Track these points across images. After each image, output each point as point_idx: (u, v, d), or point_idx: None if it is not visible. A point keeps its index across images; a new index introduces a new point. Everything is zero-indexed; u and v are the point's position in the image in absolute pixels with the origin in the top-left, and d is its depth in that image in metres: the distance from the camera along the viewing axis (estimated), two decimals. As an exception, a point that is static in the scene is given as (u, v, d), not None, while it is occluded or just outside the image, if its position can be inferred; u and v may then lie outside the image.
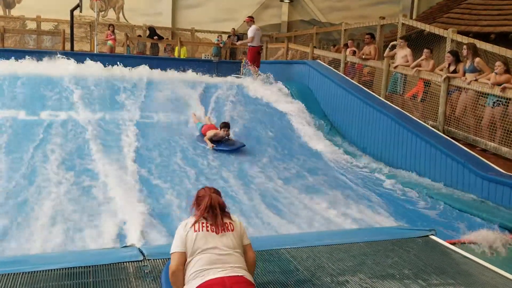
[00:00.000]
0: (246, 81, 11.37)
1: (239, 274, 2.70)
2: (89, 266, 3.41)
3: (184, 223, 2.86)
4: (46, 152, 7.19)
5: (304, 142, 9.01)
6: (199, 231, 2.78)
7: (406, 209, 6.13)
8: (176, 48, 17.46)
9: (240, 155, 8.09)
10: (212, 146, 7.91)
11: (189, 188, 6.56)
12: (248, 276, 2.76)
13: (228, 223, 2.85)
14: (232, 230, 2.84)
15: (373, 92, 9.43)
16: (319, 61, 11.60)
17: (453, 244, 4.47)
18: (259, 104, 10.31)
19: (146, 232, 5.13)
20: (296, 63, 12.08)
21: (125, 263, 3.51)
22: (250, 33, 11.57)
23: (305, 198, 6.47)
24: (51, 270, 3.31)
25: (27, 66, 10.06)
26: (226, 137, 8.10)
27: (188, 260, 2.76)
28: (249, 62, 11.72)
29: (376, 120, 8.39)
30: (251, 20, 11.80)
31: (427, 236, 4.50)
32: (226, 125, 8.07)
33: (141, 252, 3.72)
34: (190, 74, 11.40)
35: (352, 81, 10.00)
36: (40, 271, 3.27)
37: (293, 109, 10.02)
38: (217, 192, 2.95)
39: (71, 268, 3.37)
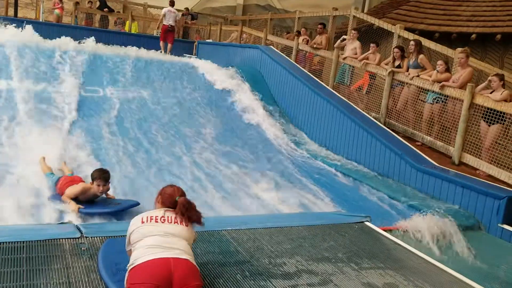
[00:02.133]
0: (198, 61, 11.34)
1: (185, 258, 2.79)
2: (23, 242, 3.32)
3: (139, 217, 2.97)
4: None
5: (251, 124, 9.09)
6: (150, 222, 2.92)
7: (345, 195, 6.36)
8: (127, 23, 16.92)
9: (183, 133, 8.06)
10: (78, 208, 4.83)
11: (133, 166, 6.50)
12: (193, 261, 2.86)
13: (185, 219, 2.99)
14: (187, 225, 2.98)
15: (322, 81, 9.63)
16: (272, 47, 11.66)
17: (386, 230, 4.71)
18: (204, 82, 10.35)
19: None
20: (249, 47, 12.07)
21: (61, 240, 3.43)
22: (162, 12, 14.06)
23: (247, 180, 6.58)
24: (-18, 244, 3.19)
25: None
26: (102, 194, 5.09)
27: (137, 239, 2.86)
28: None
29: (323, 108, 8.59)
30: (170, 3, 14.24)
31: (363, 222, 4.73)
32: (102, 176, 4.97)
33: (79, 229, 3.66)
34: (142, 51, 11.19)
35: (302, 69, 10.15)
36: (-31, 246, 3.15)
37: (241, 90, 10.10)
38: (184, 194, 3.11)
39: (2, 242, 3.26)
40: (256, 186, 6.47)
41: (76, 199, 4.94)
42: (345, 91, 9.23)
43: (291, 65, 10.26)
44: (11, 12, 15.22)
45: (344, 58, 9.26)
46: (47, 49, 9.44)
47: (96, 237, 3.55)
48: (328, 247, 3.98)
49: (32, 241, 3.35)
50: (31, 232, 3.60)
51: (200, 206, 5.49)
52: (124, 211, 4.95)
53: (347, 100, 8.66)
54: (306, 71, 10.02)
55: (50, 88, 8.36)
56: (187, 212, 2.97)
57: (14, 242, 3.31)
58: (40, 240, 3.38)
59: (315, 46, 10.38)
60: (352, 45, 9.36)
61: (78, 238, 3.52)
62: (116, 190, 5.63)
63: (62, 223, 4.13)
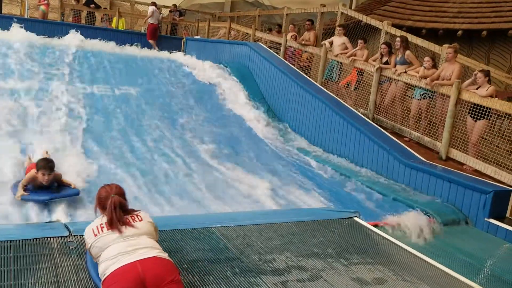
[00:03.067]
0: (186, 57, 11.36)
1: (152, 255, 2.70)
2: (10, 241, 3.27)
3: (90, 230, 2.84)
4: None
5: (239, 121, 9.08)
6: (102, 232, 2.79)
7: (334, 191, 6.39)
8: (114, 19, 16.77)
9: (175, 130, 8.03)
10: (20, 195, 4.93)
11: (122, 163, 6.48)
12: (162, 255, 2.77)
13: (135, 216, 2.89)
14: (141, 220, 2.88)
15: (311, 77, 9.64)
16: (260, 43, 11.65)
17: (375, 226, 4.75)
18: (192, 78, 10.34)
19: (73, 207, 5.00)
20: (238, 44, 12.04)
21: (49, 238, 3.40)
22: (149, 9, 14.85)
23: (236, 176, 6.58)
24: (-33, 244, 3.14)
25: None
26: (48, 183, 5.05)
27: (98, 254, 2.78)
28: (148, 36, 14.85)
29: (312, 105, 8.61)
30: (152, 4, 15.14)
31: (352, 217, 4.75)
32: (45, 166, 5.02)
33: (67, 227, 3.62)
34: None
35: (291, 65, 10.15)
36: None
37: (230, 88, 10.09)
38: (119, 193, 2.92)
39: (-11, 242, 3.22)
40: (244, 182, 6.47)
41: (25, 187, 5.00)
42: (333, 87, 9.26)
43: (279, 61, 10.26)
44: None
45: (336, 55, 9.22)
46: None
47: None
48: (317, 243, 3.99)
49: (19, 240, 3.31)
50: (18, 231, 3.55)
51: (188, 202, 5.55)
52: (63, 198, 5.05)
53: (335, 96, 8.69)
54: (295, 68, 10.03)
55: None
56: (118, 211, 2.81)
57: (1, 241, 3.26)
58: (27, 239, 3.34)
59: (303, 42, 10.39)
60: (339, 41, 9.37)
61: (66, 236, 3.48)
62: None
63: (50, 221, 4.10)
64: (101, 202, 2.89)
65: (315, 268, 3.51)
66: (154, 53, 11.93)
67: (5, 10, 15.71)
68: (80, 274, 3.00)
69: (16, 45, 9.34)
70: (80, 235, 3.51)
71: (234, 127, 8.82)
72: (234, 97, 9.89)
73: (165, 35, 16.79)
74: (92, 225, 2.86)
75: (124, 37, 14.39)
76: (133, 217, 2.87)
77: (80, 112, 7.91)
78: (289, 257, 3.65)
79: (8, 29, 10.50)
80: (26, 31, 10.33)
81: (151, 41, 14.73)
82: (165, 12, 18.12)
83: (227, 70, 10.84)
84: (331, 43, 9.58)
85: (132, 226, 2.81)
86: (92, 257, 2.84)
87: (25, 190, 4.98)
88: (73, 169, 5.75)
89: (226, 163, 7.10)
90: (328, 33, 11.31)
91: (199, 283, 3.08)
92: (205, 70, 10.70)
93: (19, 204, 4.89)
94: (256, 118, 9.20)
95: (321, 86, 9.16)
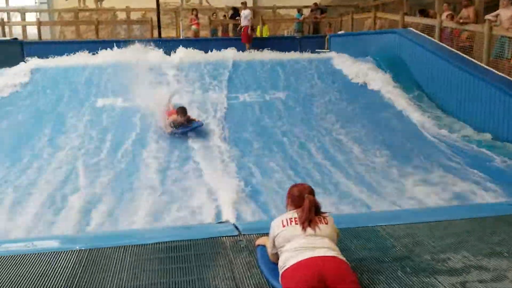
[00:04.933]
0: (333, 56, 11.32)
1: (332, 255, 2.75)
2: (191, 240, 3.60)
3: (280, 221, 2.96)
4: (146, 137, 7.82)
5: (394, 113, 8.69)
6: (291, 224, 2.90)
7: (512, 183, 5.68)
8: (258, 27, 17.50)
9: (331, 125, 8.00)
10: (171, 130, 7.96)
11: (282, 165, 6.72)
12: (341, 257, 2.80)
13: (322, 218, 2.94)
14: (326, 223, 2.93)
15: (474, 58, 8.72)
16: (411, 28, 10.96)
17: None
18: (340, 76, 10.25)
19: (238, 208, 5.34)
20: (385, 33, 11.54)
21: (222, 238, 3.65)
22: (247, 12, 15.12)
23: (400, 173, 6.30)
24: (158, 243, 3.53)
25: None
26: (185, 122, 7.98)
27: (282, 244, 2.88)
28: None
29: (478, 88, 7.78)
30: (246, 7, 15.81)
31: (538, 213, 4.14)
32: (182, 111, 8.00)
33: (236, 227, 3.86)
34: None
35: (449, 48, 9.33)
36: (148, 244, 3.51)
37: (382, 81, 9.70)
38: (312, 192, 3.02)
39: (175, 241, 3.58)
40: (405, 177, 6.17)
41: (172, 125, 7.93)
42: (505, 66, 8.20)
43: (435, 45, 9.53)
44: (155, 33, 16.90)
45: (507, 29, 8.13)
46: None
47: (252, 234, 3.69)
48: (499, 241, 3.56)
49: (198, 239, 3.63)
50: (197, 231, 3.90)
51: (343, 198, 5.48)
52: (195, 128, 7.91)
53: (508, 77, 7.70)
54: (454, 50, 9.19)
55: None
56: (312, 211, 2.90)
57: (184, 240, 3.61)
58: (204, 239, 3.64)
59: (461, 21, 9.46)
60: (508, 13, 8.26)
61: (236, 236, 3.70)
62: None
63: (221, 222, 4.42)
64: (294, 200, 3.03)
65: (498, 268, 3.14)
66: (297, 55, 12.13)
67: (163, 34, 17.54)
68: (252, 270, 3.15)
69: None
70: (248, 234, 3.71)
71: (388, 120, 8.48)
72: (385, 89, 9.49)
73: (308, 35, 16.93)
74: (283, 217, 3.00)
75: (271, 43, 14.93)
76: (320, 219, 2.94)
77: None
78: (467, 256, 3.33)
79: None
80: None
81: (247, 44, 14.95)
82: (306, 12, 18.26)
83: (375, 62, 10.46)
84: (497, 17, 8.51)
85: (318, 227, 2.89)
86: (271, 247, 2.98)
87: (172, 126, 7.91)
88: None
89: (381, 157, 6.88)
90: (490, 6, 10.08)
91: (368, 282, 2.99)
92: (351, 66, 10.49)
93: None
94: (412, 109, 8.70)
95: (488, 67, 8.21)
